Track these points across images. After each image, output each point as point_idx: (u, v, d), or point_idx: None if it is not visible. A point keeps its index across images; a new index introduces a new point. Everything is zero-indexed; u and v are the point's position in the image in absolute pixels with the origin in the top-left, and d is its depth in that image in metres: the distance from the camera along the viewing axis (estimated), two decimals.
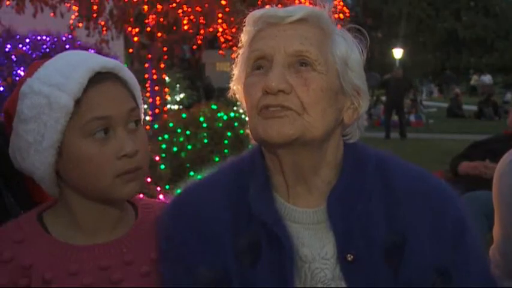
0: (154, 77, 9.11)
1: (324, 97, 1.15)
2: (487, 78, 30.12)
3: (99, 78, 1.19)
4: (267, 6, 1.25)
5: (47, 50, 6.39)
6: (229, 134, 5.44)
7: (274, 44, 1.16)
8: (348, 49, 1.20)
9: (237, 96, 1.27)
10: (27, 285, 1.18)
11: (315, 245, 1.18)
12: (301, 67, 1.15)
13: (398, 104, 14.38)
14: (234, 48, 1.27)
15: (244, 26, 1.23)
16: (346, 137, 1.26)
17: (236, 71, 1.26)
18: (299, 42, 1.15)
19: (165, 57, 9.21)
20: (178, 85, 17.79)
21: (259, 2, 7.62)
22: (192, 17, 8.18)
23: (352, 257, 1.15)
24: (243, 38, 1.24)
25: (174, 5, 8.01)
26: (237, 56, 1.26)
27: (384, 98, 17.28)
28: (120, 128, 1.19)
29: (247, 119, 1.23)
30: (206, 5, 8.05)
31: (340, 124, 1.22)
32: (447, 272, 1.18)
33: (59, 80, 1.17)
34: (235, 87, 1.26)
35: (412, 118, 16.63)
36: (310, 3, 1.25)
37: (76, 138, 1.17)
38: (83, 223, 1.24)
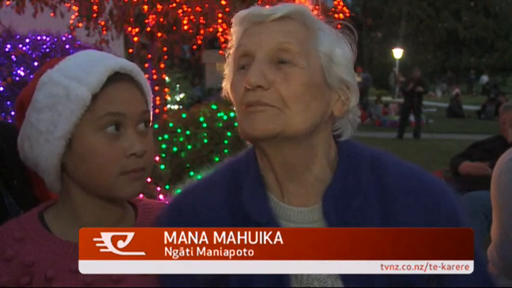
0: (154, 77, 9.11)
1: (306, 91, 1.16)
2: (485, 78, 30.13)
3: (117, 77, 1.22)
4: (267, 7, 1.27)
5: (47, 50, 6.39)
6: (229, 134, 5.44)
7: (257, 41, 1.18)
8: (333, 45, 1.21)
9: (229, 95, 1.29)
10: (28, 283, 1.19)
11: None
12: (281, 64, 1.16)
13: (417, 105, 14.26)
14: (228, 50, 1.29)
15: (231, 27, 1.25)
16: (336, 132, 1.26)
17: (227, 71, 1.27)
18: (280, 36, 1.17)
19: (165, 57, 9.21)
20: (178, 85, 17.83)
21: (259, 2, 7.62)
22: (192, 17, 8.18)
23: None
24: (232, 39, 1.26)
25: (174, 5, 8.01)
26: (227, 56, 1.28)
27: (383, 98, 17.23)
28: (131, 127, 1.21)
29: None
30: (206, 5, 8.05)
31: (330, 119, 1.23)
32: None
33: (79, 73, 1.20)
34: (226, 87, 1.28)
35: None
36: (309, 2, 1.26)
37: (88, 132, 1.19)
38: (84, 220, 1.25)
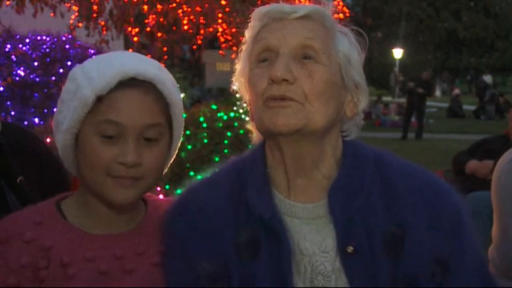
0: None
1: (327, 89, 1.18)
2: (487, 78, 30.15)
3: (131, 83, 1.21)
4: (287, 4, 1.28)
5: (47, 50, 6.40)
6: (229, 134, 5.44)
7: (280, 36, 1.20)
8: (351, 47, 1.24)
9: (239, 89, 1.31)
10: (46, 266, 1.21)
11: (315, 239, 1.21)
12: (305, 60, 1.19)
13: (420, 107, 14.23)
14: (234, 48, 1.30)
15: (249, 22, 1.27)
16: (344, 133, 1.29)
17: (239, 66, 1.29)
18: (304, 34, 1.20)
19: (165, 57, 9.20)
20: (178, 85, 17.82)
21: (259, 2, 7.61)
22: (192, 17, 8.17)
23: (352, 248, 1.17)
24: (247, 33, 1.28)
25: (174, 5, 8.00)
26: (240, 51, 1.29)
27: (383, 98, 17.19)
28: (131, 137, 1.21)
29: (247, 118, 1.26)
30: (206, 5, 8.04)
31: (340, 119, 1.25)
32: (445, 263, 1.20)
33: (93, 74, 1.21)
34: (238, 80, 1.30)
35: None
36: (310, 2, 1.28)
37: (89, 131, 1.21)
38: (98, 215, 1.28)
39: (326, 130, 1.21)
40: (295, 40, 1.19)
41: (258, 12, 1.26)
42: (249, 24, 1.27)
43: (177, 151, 1.37)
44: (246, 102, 1.31)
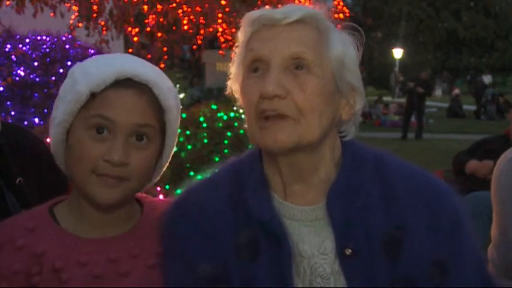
0: None
1: (321, 101, 1.17)
2: (487, 79, 30.16)
3: (127, 83, 1.22)
4: (267, 7, 1.26)
5: (47, 50, 6.40)
6: (229, 134, 5.43)
7: (271, 47, 1.17)
8: (345, 48, 1.22)
9: (235, 94, 1.29)
10: (38, 272, 1.21)
11: (314, 241, 1.21)
12: (297, 70, 1.16)
13: (419, 107, 14.25)
14: (234, 48, 1.29)
15: (241, 26, 1.25)
16: (342, 134, 1.28)
17: (233, 69, 1.28)
18: (295, 45, 1.16)
19: (165, 57, 9.20)
20: (178, 85, 17.87)
21: (259, 2, 7.61)
22: (192, 17, 8.17)
23: (350, 251, 1.17)
24: (240, 37, 1.26)
25: (174, 5, 8.00)
26: (234, 55, 1.28)
27: (383, 98, 17.17)
28: (121, 136, 1.21)
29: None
30: (206, 5, 8.04)
31: (336, 123, 1.24)
32: (444, 265, 1.20)
33: (91, 70, 1.22)
34: (233, 86, 1.29)
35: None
36: (309, 3, 1.26)
37: (79, 126, 1.22)
38: (91, 217, 1.28)
39: (322, 138, 1.20)
40: (285, 51, 1.16)
41: (248, 18, 1.22)
42: (241, 28, 1.25)
43: (170, 159, 1.36)
44: (241, 106, 1.29)
